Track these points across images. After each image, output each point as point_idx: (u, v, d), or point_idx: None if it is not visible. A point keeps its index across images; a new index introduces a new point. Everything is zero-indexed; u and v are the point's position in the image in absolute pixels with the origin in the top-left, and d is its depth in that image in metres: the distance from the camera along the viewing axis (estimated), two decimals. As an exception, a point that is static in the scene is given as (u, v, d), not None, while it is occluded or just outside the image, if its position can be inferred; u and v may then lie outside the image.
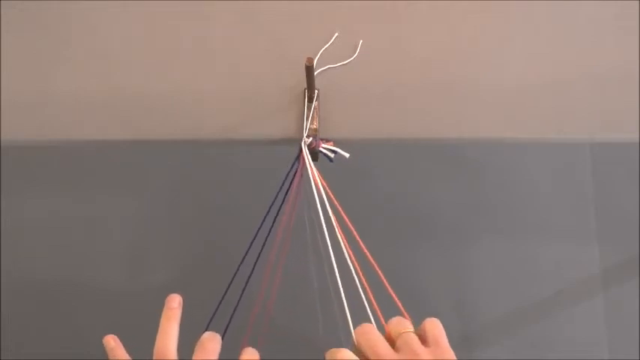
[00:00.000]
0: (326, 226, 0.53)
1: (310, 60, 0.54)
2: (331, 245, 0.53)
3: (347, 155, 0.60)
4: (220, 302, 0.56)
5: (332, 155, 0.60)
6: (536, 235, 1.29)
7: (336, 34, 0.65)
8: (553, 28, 0.66)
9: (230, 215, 1.31)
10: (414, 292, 1.25)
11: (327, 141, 0.60)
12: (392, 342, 0.47)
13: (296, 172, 0.58)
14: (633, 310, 1.24)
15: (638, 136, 0.63)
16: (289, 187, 0.57)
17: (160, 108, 0.63)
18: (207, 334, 0.49)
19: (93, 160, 1.36)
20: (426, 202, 1.32)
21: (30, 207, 1.31)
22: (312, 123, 0.60)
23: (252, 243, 0.56)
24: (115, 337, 0.50)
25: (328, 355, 0.48)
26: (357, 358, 0.46)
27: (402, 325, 0.47)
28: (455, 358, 0.45)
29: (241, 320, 0.57)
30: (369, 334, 0.47)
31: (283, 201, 0.57)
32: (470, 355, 1.20)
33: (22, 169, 1.35)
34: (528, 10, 0.67)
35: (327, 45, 0.64)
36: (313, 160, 0.60)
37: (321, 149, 0.60)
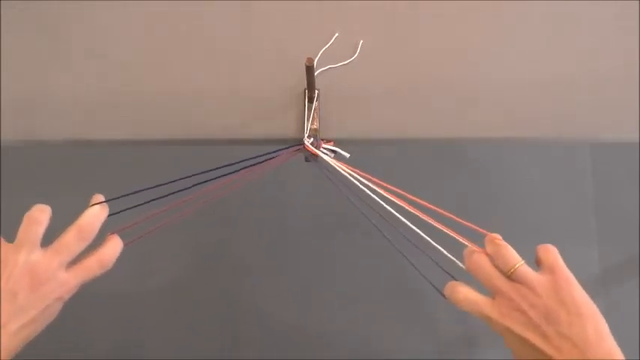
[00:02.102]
0: (377, 197, 0.55)
1: (310, 60, 0.54)
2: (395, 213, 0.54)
3: (347, 155, 0.60)
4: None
5: (332, 155, 0.60)
6: (536, 235, 1.29)
7: (336, 34, 0.65)
8: (553, 28, 0.66)
9: (230, 215, 1.31)
10: (414, 291, 1.25)
11: (327, 141, 0.60)
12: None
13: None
14: (633, 310, 1.24)
15: (638, 136, 0.63)
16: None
17: (160, 108, 0.63)
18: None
19: (93, 160, 1.36)
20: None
21: (30, 207, 1.31)
22: (312, 123, 0.60)
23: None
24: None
25: (447, 290, 0.48)
26: (478, 293, 0.46)
27: (511, 257, 0.46)
28: (574, 282, 0.44)
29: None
30: (479, 263, 0.47)
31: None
32: (470, 356, 1.20)
33: (22, 169, 1.35)
34: (528, 10, 0.67)
35: (327, 45, 0.64)
36: (313, 160, 0.60)
37: (321, 149, 0.60)
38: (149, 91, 0.63)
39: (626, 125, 0.63)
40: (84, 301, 1.25)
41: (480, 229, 0.50)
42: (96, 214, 0.48)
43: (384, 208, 0.55)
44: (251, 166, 0.57)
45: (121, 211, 0.50)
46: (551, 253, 0.46)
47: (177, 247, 1.30)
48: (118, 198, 0.51)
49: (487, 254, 0.48)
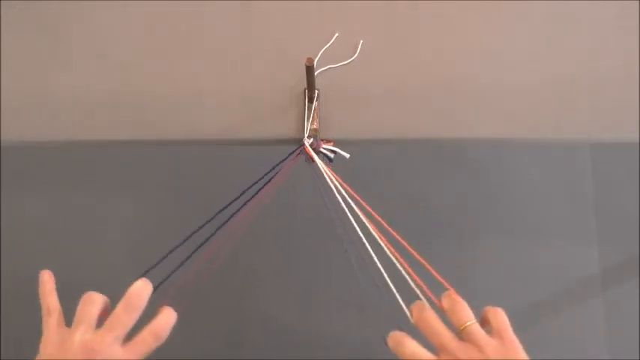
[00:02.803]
0: (351, 215, 0.54)
1: (310, 60, 0.54)
2: (361, 235, 0.53)
3: (347, 156, 0.60)
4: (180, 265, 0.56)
5: (332, 155, 0.60)
6: (536, 235, 1.29)
7: (336, 34, 0.65)
8: (553, 28, 0.66)
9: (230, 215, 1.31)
10: (413, 291, 1.24)
11: (327, 141, 0.60)
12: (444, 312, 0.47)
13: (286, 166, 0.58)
14: (633, 310, 1.24)
15: (638, 136, 0.63)
16: (271, 177, 0.57)
17: (160, 108, 0.63)
18: (135, 285, 0.48)
19: (93, 160, 1.36)
20: (425, 203, 1.32)
21: (30, 207, 1.31)
22: (312, 123, 0.60)
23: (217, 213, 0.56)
24: (51, 274, 0.50)
25: (392, 341, 0.47)
26: (424, 350, 0.45)
27: (464, 314, 0.46)
28: (521, 348, 0.45)
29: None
30: (429, 320, 0.46)
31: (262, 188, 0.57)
32: (470, 355, 1.20)
33: (22, 169, 1.35)
34: (528, 10, 0.67)
35: (327, 45, 0.64)
36: (313, 160, 0.60)
37: (321, 150, 0.60)
38: (149, 91, 0.63)
39: (626, 125, 0.63)
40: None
41: (442, 280, 0.50)
42: (141, 287, 0.49)
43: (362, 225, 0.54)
44: (265, 184, 0.57)
45: (160, 284, 0.51)
46: (499, 316, 0.47)
47: (177, 249, 1.30)
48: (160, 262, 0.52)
49: (442, 308, 0.48)
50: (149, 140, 0.63)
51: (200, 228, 0.54)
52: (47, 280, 0.49)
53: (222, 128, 0.62)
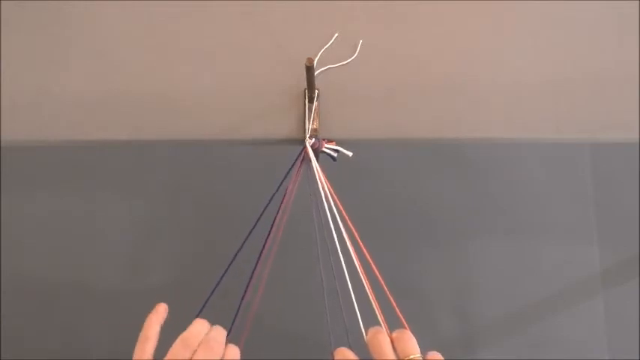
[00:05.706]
0: (333, 228, 0.54)
1: (310, 60, 0.54)
2: (338, 248, 0.53)
3: (350, 154, 0.60)
4: (208, 299, 0.57)
5: (335, 155, 0.60)
6: (537, 235, 1.29)
7: (336, 34, 0.65)
8: (553, 28, 0.66)
9: (230, 215, 1.31)
10: (414, 291, 1.25)
11: (329, 141, 0.60)
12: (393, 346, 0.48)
13: (295, 172, 0.59)
14: (633, 310, 1.24)
15: (638, 136, 0.63)
16: (286, 187, 0.58)
17: (160, 108, 0.63)
18: (214, 330, 0.50)
19: (93, 160, 1.36)
20: (426, 202, 1.32)
21: (30, 207, 1.31)
22: (312, 123, 0.60)
23: (244, 241, 0.56)
24: (167, 309, 0.52)
25: (338, 354, 0.49)
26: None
27: (410, 345, 0.48)
28: None
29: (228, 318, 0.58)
30: (379, 341, 0.48)
31: (282, 200, 0.58)
32: (470, 355, 1.20)
33: (22, 169, 1.35)
34: (528, 10, 0.67)
35: (327, 45, 0.64)
36: (309, 160, 0.60)
37: (324, 149, 0.60)
38: (149, 91, 0.63)
39: (626, 125, 0.63)
40: (83, 301, 1.25)
41: (400, 315, 0.52)
42: (218, 331, 0.52)
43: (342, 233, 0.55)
44: (284, 196, 0.58)
45: (231, 328, 0.54)
46: None
47: (176, 248, 1.30)
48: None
49: (391, 337, 0.49)
50: (149, 140, 0.63)
51: (234, 259, 0.55)
52: (161, 312, 0.52)
53: (222, 128, 0.62)
